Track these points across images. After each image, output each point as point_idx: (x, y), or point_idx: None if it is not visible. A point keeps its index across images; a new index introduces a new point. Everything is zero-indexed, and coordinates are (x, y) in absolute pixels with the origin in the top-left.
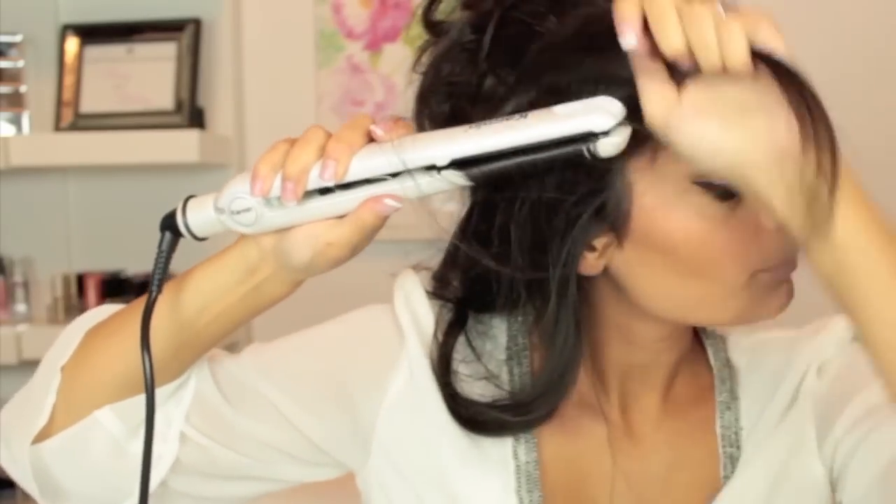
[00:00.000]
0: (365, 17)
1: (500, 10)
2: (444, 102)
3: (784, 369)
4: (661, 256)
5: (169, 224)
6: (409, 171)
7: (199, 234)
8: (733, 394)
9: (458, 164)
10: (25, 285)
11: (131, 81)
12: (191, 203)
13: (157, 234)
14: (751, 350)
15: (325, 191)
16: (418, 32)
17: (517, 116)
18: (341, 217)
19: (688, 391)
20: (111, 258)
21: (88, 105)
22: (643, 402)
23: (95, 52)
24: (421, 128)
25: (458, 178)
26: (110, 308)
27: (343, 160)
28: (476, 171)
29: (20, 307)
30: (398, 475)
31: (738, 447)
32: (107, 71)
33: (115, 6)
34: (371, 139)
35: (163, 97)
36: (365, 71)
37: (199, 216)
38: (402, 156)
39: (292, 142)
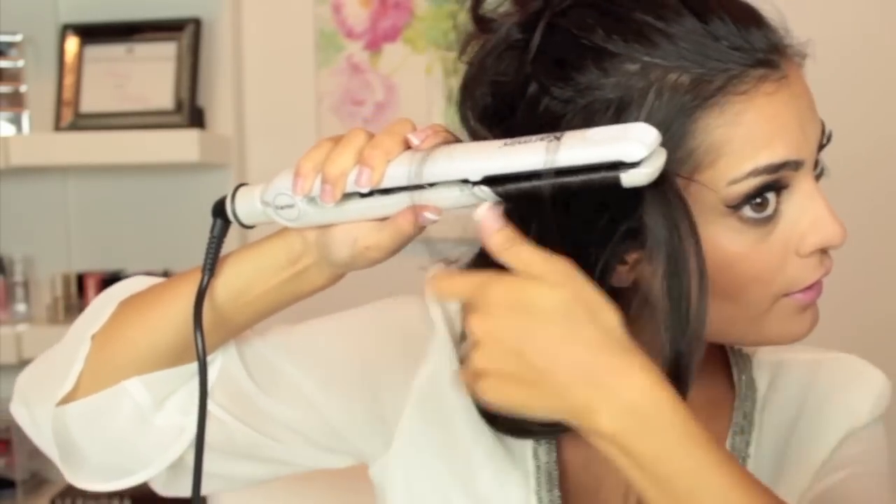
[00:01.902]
0: (365, 17)
1: (549, 15)
2: (487, 96)
3: (807, 411)
4: None
5: (219, 211)
6: (442, 184)
7: (245, 222)
8: (749, 418)
9: (490, 181)
10: (25, 285)
11: (131, 81)
12: (240, 191)
13: (157, 234)
14: (770, 371)
15: (365, 193)
16: (418, 33)
17: (551, 137)
18: (381, 219)
19: (700, 404)
20: (111, 258)
21: (88, 105)
22: None
23: (95, 51)
24: (464, 118)
25: (489, 195)
26: (144, 280)
27: (378, 167)
28: (507, 189)
29: (20, 307)
30: (422, 466)
31: None
32: (107, 71)
33: (115, 6)
34: (409, 146)
35: (163, 97)
36: (365, 71)
37: (246, 206)
38: (436, 168)
39: (336, 140)
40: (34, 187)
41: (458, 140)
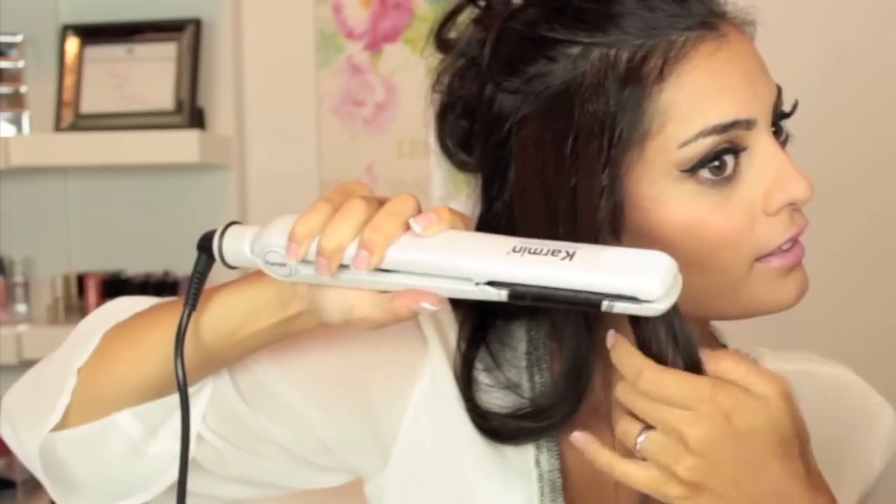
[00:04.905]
0: (365, 17)
1: (499, 23)
2: (460, 118)
3: (817, 430)
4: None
5: (205, 245)
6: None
7: (231, 263)
8: None
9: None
10: (25, 285)
11: (131, 81)
12: (230, 231)
13: (157, 234)
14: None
15: None
16: (418, 33)
17: (563, 254)
18: (376, 290)
19: None
20: (111, 258)
21: (88, 105)
22: None
23: (95, 52)
24: (444, 146)
25: (490, 294)
26: (127, 305)
27: (377, 252)
28: (511, 293)
29: (20, 307)
30: (419, 484)
31: None
32: (107, 71)
33: (115, 6)
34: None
35: (163, 97)
36: (365, 71)
37: (234, 248)
38: (438, 260)
39: (334, 204)
40: (34, 187)
41: (462, 218)
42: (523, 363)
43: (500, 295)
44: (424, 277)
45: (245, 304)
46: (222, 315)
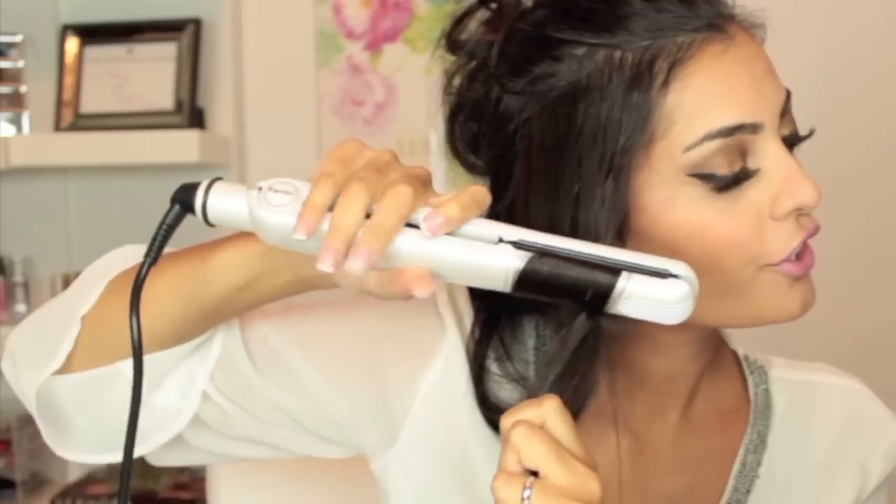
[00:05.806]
0: (365, 17)
1: (508, 24)
2: (469, 120)
3: (819, 441)
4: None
5: (182, 198)
6: (469, 235)
7: (212, 218)
8: (763, 438)
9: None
10: (25, 285)
11: (131, 81)
12: (218, 184)
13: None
14: (788, 392)
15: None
16: (418, 33)
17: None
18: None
19: (710, 412)
20: None
21: (88, 105)
22: (666, 417)
23: (95, 52)
24: (454, 150)
25: (507, 262)
26: (133, 253)
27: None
28: (525, 269)
29: (20, 307)
30: (425, 466)
31: (748, 491)
32: (107, 71)
33: (115, 6)
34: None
35: (163, 97)
36: (365, 71)
37: (223, 200)
38: (475, 225)
39: (338, 180)
40: (34, 187)
41: None
42: (531, 358)
43: (519, 262)
44: (442, 241)
45: (260, 259)
46: (236, 268)
